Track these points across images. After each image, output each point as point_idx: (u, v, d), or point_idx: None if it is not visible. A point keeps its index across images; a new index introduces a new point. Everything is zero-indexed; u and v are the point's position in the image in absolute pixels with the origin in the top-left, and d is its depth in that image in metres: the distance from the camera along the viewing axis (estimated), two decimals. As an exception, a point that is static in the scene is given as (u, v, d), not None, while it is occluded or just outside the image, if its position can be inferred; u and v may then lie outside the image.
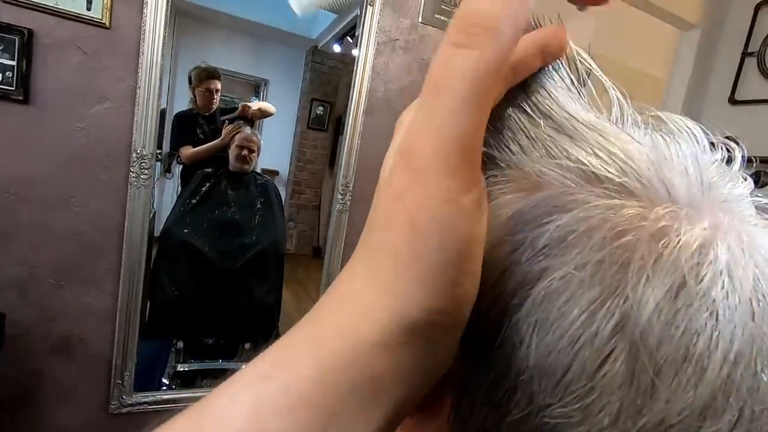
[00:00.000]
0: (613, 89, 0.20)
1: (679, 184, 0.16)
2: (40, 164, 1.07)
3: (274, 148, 2.42)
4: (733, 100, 1.62)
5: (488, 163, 0.19)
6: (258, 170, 2.05)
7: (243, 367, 0.14)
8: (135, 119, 1.12)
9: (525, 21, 0.14)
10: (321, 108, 2.46)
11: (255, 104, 1.88)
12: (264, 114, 1.93)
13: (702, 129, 0.19)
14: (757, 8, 1.58)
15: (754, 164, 0.21)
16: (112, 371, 1.21)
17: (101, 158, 1.12)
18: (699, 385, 0.13)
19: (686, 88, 1.65)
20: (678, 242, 0.14)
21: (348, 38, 2.09)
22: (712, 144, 0.19)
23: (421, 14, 1.41)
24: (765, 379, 0.13)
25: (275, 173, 2.52)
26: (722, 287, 0.14)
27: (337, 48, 2.32)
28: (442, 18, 1.43)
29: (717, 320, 0.13)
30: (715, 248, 0.14)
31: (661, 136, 0.18)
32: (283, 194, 2.27)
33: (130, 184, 1.14)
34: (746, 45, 1.58)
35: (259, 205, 1.84)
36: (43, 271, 1.11)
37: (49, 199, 1.09)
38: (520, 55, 0.19)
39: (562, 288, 0.15)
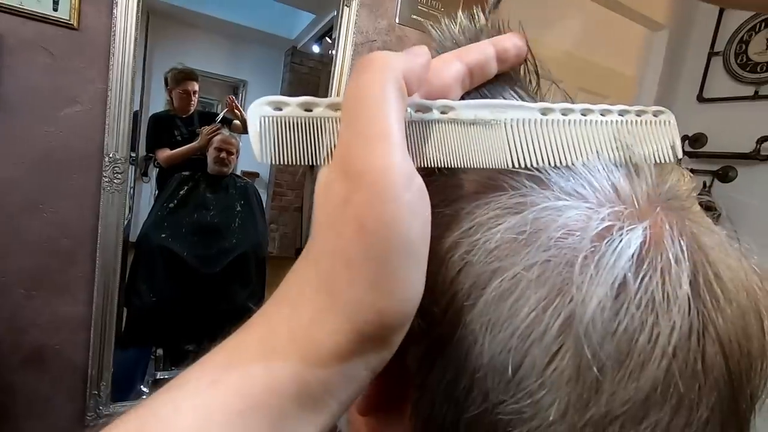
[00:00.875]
0: (568, 97, 0.21)
1: (626, 185, 0.17)
2: (7, 169, 1.03)
3: (255, 150, 2.38)
4: (701, 98, 1.67)
5: (442, 168, 0.19)
6: (238, 172, 2.02)
7: (183, 372, 0.14)
8: (107, 122, 1.09)
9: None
10: (301, 109, 2.44)
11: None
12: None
13: None
14: (722, 9, 1.63)
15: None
16: (87, 382, 1.18)
17: (72, 163, 1.09)
18: (641, 378, 0.14)
19: (657, 87, 1.70)
20: (620, 241, 0.15)
21: (327, 39, 2.08)
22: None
23: (398, 15, 1.42)
24: (700, 365, 0.14)
25: (256, 175, 2.48)
26: (662, 284, 0.14)
27: (316, 48, 2.30)
28: (419, 19, 1.44)
29: (657, 316, 0.14)
30: (656, 246, 0.15)
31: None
32: (264, 197, 2.25)
33: (103, 188, 1.11)
34: (712, 45, 1.64)
35: (239, 208, 1.82)
36: (12, 281, 1.07)
37: (18, 206, 1.05)
38: (476, 59, 0.19)
39: (512, 288, 0.15)
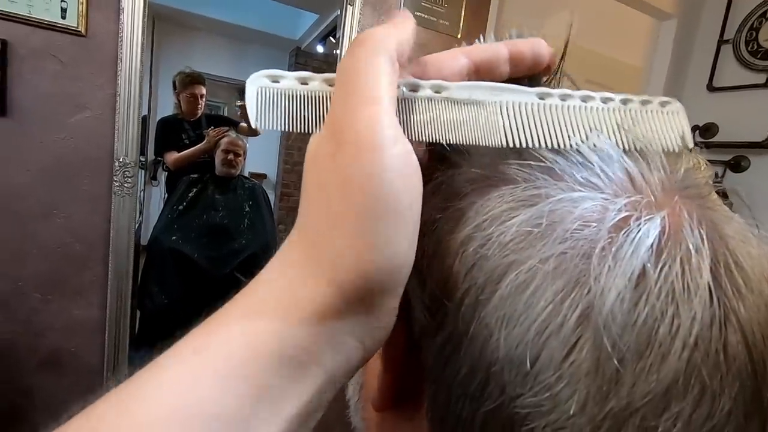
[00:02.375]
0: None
1: (640, 174, 0.16)
2: (21, 176, 1.05)
3: (262, 151, 2.40)
4: (711, 87, 1.64)
5: (451, 162, 0.19)
6: (246, 174, 2.04)
7: (170, 348, 0.14)
8: (116, 127, 1.10)
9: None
10: (307, 109, 2.45)
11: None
12: (254, 133, 1.93)
13: None
14: (731, -4, 1.61)
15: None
16: (103, 383, 1.20)
17: (83, 168, 1.10)
18: (661, 369, 0.14)
19: (665, 77, 1.68)
20: (638, 231, 0.14)
21: (331, 38, 2.08)
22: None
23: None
24: (722, 355, 0.14)
25: (263, 176, 2.50)
26: (682, 273, 0.14)
27: (320, 48, 2.31)
28: (423, 15, 1.43)
29: (677, 306, 0.14)
30: (675, 236, 0.15)
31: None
32: (272, 197, 2.26)
33: (114, 193, 1.13)
34: (722, 33, 1.61)
35: (247, 209, 1.83)
36: (28, 286, 1.09)
37: (32, 212, 1.07)
38: (484, 57, 0.19)
39: (528, 281, 0.15)
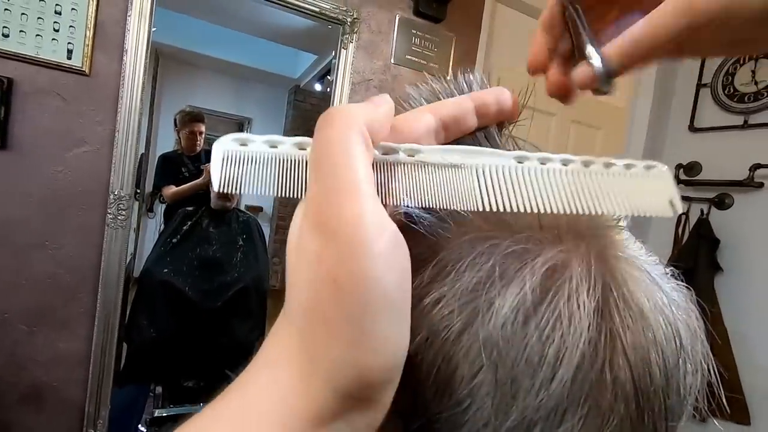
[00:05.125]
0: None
1: (552, 215, 0.18)
2: (16, 208, 1.07)
3: (258, 185, 2.44)
4: (692, 128, 1.71)
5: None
6: (242, 207, 2.06)
7: None
8: (113, 161, 1.14)
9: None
10: (304, 145, 2.51)
11: None
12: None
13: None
14: (706, 43, 1.69)
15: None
16: (84, 420, 1.17)
17: (78, 200, 1.13)
18: (551, 386, 0.15)
19: (648, 118, 1.74)
20: (532, 265, 0.16)
21: (328, 77, 2.16)
22: None
23: (393, 56, 1.48)
24: (608, 376, 0.16)
25: (259, 209, 2.53)
26: (568, 304, 0.16)
27: (318, 87, 2.39)
28: (414, 59, 1.51)
29: (563, 333, 0.16)
30: (565, 271, 0.16)
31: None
32: (267, 230, 2.28)
33: (107, 225, 1.14)
34: (699, 77, 1.69)
35: (241, 242, 1.84)
36: (15, 317, 1.09)
37: (24, 243, 1.08)
38: (450, 113, 0.19)
39: (441, 313, 0.17)
